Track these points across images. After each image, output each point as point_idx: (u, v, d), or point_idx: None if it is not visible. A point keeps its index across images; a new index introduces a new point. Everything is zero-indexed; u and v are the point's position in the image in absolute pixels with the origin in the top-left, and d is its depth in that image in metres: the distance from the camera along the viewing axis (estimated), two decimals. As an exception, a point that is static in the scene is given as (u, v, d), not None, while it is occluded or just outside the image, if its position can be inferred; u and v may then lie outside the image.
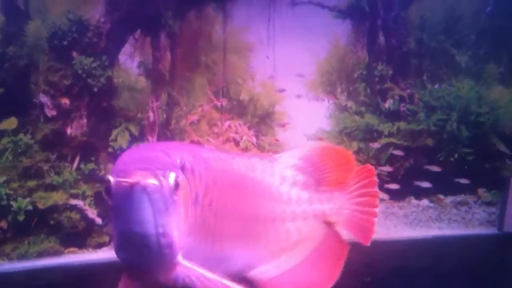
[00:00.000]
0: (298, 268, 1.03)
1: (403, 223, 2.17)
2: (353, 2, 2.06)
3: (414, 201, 2.23)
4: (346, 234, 1.09)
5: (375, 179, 1.06)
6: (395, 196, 2.16)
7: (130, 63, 1.91)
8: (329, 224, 1.06)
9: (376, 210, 1.08)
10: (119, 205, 0.80)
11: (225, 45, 1.94)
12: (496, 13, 2.20)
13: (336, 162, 1.07)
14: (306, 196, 1.03)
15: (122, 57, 1.89)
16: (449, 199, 2.25)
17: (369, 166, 1.07)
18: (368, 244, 1.08)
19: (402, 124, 2.14)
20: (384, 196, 2.14)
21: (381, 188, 2.06)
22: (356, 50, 2.09)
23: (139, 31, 1.88)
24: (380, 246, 2.01)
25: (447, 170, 2.20)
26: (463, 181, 2.23)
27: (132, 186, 0.78)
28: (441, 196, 2.24)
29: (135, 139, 1.89)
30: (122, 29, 1.84)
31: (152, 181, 0.79)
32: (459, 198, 2.25)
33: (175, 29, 1.89)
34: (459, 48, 2.16)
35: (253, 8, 1.97)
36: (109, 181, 0.79)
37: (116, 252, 0.84)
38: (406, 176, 2.14)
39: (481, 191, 2.28)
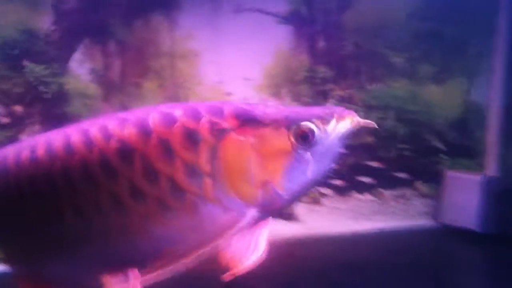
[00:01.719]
0: None
1: (347, 218, 2.46)
2: (294, 9, 2.36)
3: (357, 195, 2.51)
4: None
5: None
6: (339, 191, 2.47)
7: (81, 70, 2.08)
8: None
9: None
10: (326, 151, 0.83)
11: (172, 51, 2.21)
12: (428, 16, 2.60)
13: None
14: None
15: (73, 64, 2.07)
16: (389, 193, 2.55)
17: None
18: None
19: (344, 123, 2.47)
20: (329, 191, 2.48)
21: (326, 184, 2.41)
22: (298, 54, 2.39)
23: (88, 39, 2.07)
24: (326, 240, 2.36)
25: (386, 166, 2.54)
26: (402, 175, 2.57)
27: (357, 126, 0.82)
28: (382, 190, 2.54)
29: None
30: (72, 37, 2.04)
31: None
32: (398, 191, 2.56)
33: (123, 37, 2.10)
34: (394, 50, 2.51)
35: (199, 15, 2.21)
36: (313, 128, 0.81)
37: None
38: (349, 172, 2.42)
39: (419, 184, 2.60)
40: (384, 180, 2.52)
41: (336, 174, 2.41)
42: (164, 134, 0.83)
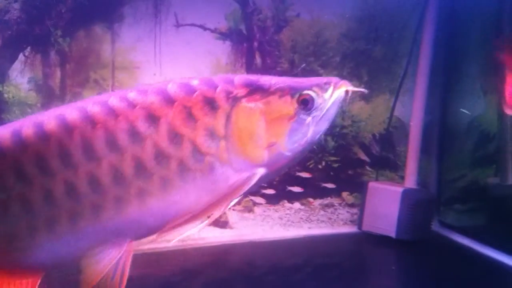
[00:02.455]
0: None
1: (278, 225, 2.66)
2: (232, 26, 2.54)
3: (287, 204, 2.71)
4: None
5: None
6: (271, 200, 2.64)
7: (20, 79, 2.18)
8: None
9: None
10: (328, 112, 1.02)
11: (113, 62, 2.35)
12: (358, 37, 2.88)
13: None
14: None
15: (13, 73, 2.17)
16: (317, 202, 2.77)
17: None
18: None
19: (278, 136, 2.72)
20: (262, 200, 2.70)
21: (259, 193, 2.64)
22: (236, 69, 2.58)
23: (29, 48, 2.18)
24: (258, 246, 2.59)
25: (315, 176, 2.77)
26: (330, 185, 2.78)
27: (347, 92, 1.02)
28: (311, 199, 2.76)
29: None
30: (13, 47, 2.14)
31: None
32: (326, 201, 2.79)
33: (64, 47, 2.21)
34: (326, 68, 2.73)
35: (140, 29, 2.34)
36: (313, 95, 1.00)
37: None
38: (280, 182, 2.61)
39: (345, 194, 2.83)
40: (313, 190, 2.77)
41: (268, 184, 2.65)
42: (187, 102, 0.97)
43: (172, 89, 1.00)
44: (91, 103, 0.99)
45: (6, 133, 0.99)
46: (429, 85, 2.76)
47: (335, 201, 2.84)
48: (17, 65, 2.20)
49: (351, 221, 2.81)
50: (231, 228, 2.62)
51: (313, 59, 2.74)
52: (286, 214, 2.73)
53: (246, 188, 1.00)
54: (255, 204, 2.65)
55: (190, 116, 0.97)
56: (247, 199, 2.64)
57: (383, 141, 2.89)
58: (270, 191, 2.61)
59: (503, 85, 2.05)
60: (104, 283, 1.00)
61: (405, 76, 2.80)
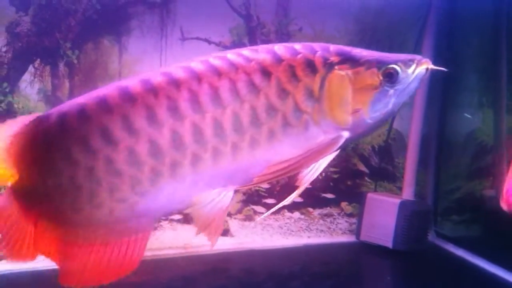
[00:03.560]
0: None
1: (278, 233, 2.70)
2: (236, 39, 2.59)
3: (287, 213, 2.74)
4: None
5: None
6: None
7: (30, 90, 2.22)
8: None
9: None
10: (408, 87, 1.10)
11: (120, 74, 2.39)
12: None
13: None
14: None
15: (23, 84, 2.21)
16: (317, 212, 2.80)
17: None
18: None
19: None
20: (262, 209, 2.74)
21: (260, 203, 2.68)
22: None
23: (39, 60, 2.22)
24: (258, 254, 2.62)
25: (315, 186, 2.81)
26: (329, 195, 2.81)
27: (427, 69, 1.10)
28: (310, 209, 2.79)
29: None
30: (23, 59, 2.18)
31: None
32: (325, 210, 2.82)
33: (73, 59, 2.26)
34: None
35: (147, 42, 2.39)
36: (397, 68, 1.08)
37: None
38: (281, 192, 2.65)
39: (344, 204, 2.86)
40: (313, 200, 2.80)
41: (269, 193, 2.69)
42: (292, 62, 1.06)
43: (280, 50, 1.08)
44: (212, 57, 1.08)
45: (134, 84, 1.06)
46: (428, 98, 2.79)
47: (334, 211, 2.87)
48: (27, 76, 2.25)
49: (349, 230, 2.84)
50: (232, 236, 2.65)
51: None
52: (286, 223, 2.76)
53: (332, 149, 1.09)
54: (255, 213, 2.69)
55: (294, 75, 1.06)
56: (248, 207, 2.68)
57: (382, 153, 2.93)
58: (271, 201, 2.65)
59: (504, 178, 2.11)
60: (209, 225, 1.09)
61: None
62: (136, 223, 1.08)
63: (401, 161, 2.93)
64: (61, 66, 2.30)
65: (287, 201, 1.19)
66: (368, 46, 2.81)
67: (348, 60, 1.09)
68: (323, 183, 2.81)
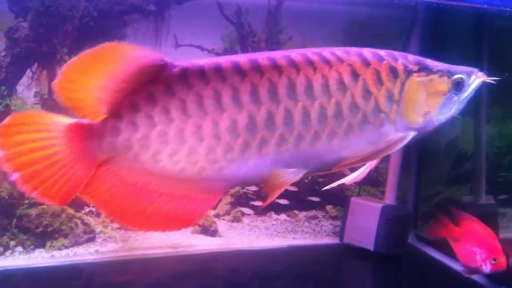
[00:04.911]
0: None
1: (264, 235, 2.74)
2: (228, 47, 2.64)
3: (274, 215, 2.80)
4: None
5: None
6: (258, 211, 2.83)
7: (27, 93, 2.26)
8: None
9: None
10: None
11: (115, 78, 2.45)
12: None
13: None
14: None
15: (20, 87, 2.25)
16: (302, 214, 2.86)
17: None
18: None
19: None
20: (250, 211, 2.80)
21: (247, 205, 2.73)
22: None
23: (36, 64, 2.26)
24: (245, 254, 2.68)
25: (301, 190, 2.83)
26: (315, 199, 2.84)
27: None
28: (296, 212, 2.84)
29: None
30: (21, 63, 2.22)
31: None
32: (310, 213, 2.87)
33: (70, 64, 2.37)
34: None
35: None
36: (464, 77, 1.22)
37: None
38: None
39: (328, 207, 2.90)
40: (299, 203, 2.86)
41: (257, 196, 2.74)
42: (378, 67, 1.17)
43: (368, 54, 1.19)
44: (310, 52, 1.17)
45: (244, 60, 1.13)
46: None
47: (319, 213, 2.93)
48: (25, 80, 2.29)
49: (333, 232, 2.90)
50: (220, 236, 2.71)
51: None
52: (273, 224, 2.82)
53: (399, 146, 1.21)
54: (243, 214, 2.75)
55: (379, 78, 1.17)
56: (236, 209, 2.74)
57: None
58: (258, 203, 2.70)
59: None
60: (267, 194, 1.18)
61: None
62: (214, 185, 1.14)
63: (384, 166, 2.99)
64: (58, 70, 2.32)
65: (345, 180, 1.28)
66: (354, 56, 2.90)
67: (424, 69, 1.22)
68: (308, 186, 2.87)
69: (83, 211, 2.48)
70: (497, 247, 2.11)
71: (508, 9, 2.37)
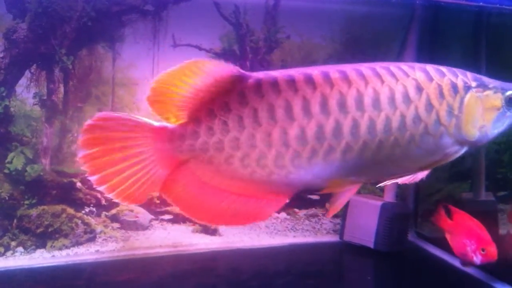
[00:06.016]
0: None
1: (264, 233, 2.73)
2: (226, 46, 2.62)
3: (274, 214, 2.76)
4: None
5: None
6: None
7: (26, 94, 2.25)
8: None
9: None
10: None
11: (113, 79, 2.43)
12: (343, 58, 2.97)
13: None
14: None
15: (19, 88, 2.25)
16: (302, 212, 2.85)
17: None
18: None
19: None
20: (249, 210, 2.79)
21: (247, 203, 2.71)
22: None
23: (35, 66, 2.26)
24: (245, 253, 2.67)
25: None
26: (314, 197, 2.85)
27: None
28: (296, 210, 2.83)
29: (29, 161, 2.28)
30: (19, 64, 2.22)
31: None
32: (311, 211, 2.86)
33: (68, 65, 2.29)
34: None
35: (140, 48, 2.41)
36: None
37: None
38: None
39: (328, 205, 3.01)
40: (299, 201, 2.85)
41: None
42: (440, 82, 1.24)
43: (431, 70, 1.27)
44: (379, 66, 1.26)
45: (316, 73, 1.21)
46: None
47: (319, 211, 2.92)
48: (23, 81, 2.28)
49: (334, 230, 2.89)
50: (220, 235, 2.70)
51: (301, 78, 2.81)
52: (273, 223, 2.81)
53: (454, 157, 1.30)
54: (243, 213, 2.73)
55: (441, 93, 1.24)
56: (236, 208, 2.72)
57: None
58: (258, 202, 2.68)
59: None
60: (334, 203, 1.29)
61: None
62: (281, 188, 1.23)
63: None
64: (57, 71, 2.33)
65: (398, 180, 1.30)
66: (352, 55, 2.88)
67: (481, 85, 1.29)
68: (308, 185, 2.85)
69: (83, 211, 2.47)
70: (486, 237, 2.14)
71: (505, 6, 2.35)
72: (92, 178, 1.16)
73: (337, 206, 1.29)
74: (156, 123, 1.21)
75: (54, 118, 2.34)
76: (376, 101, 1.20)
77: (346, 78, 1.19)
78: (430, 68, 1.27)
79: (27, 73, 2.28)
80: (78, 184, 2.43)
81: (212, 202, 1.22)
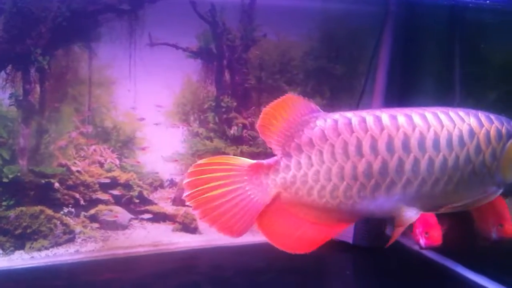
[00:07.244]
0: None
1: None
2: (202, 45, 2.64)
3: None
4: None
5: None
6: None
7: (2, 95, 2.25)
8: None
9: None
10: None
11: (90, 79, 2.43)
12: (320, 56, 3.02)
13: None
14: None
15: (-6, 89, 2.21)
16: None
17: None
18: None
19: (245, 147, 2.70)
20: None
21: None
22: (206, 85, 2.65)
23: (10, 66, 2.26)
24: (226, 251, 2.69)
25: None
26: None
27: None
28: None
29: (6, 162, 2.28)
30: (-5, 65, 2.19)
31: None
32: None
33: (44, 65, 2.30)
34: (290, 85, 2.83)
35: (116, 47, 2.41)
36: None
37: None
38: None
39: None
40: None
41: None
42: (489, 129, 1.43)
43: (482, 117, 1.45)
44: (440, 111, 1.43)
45: (385, 116, 1.39)
46: (385, 101, 2.89)
47: (298, 208, 2.95)
48: (-1, 82, 2.28)
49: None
50: (200, 233, 2.72)
51: (279, 76, 2.86)
52: (253, 221, 2.83)
53: (492, 198, 1.46)
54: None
55: (488, 139, 1.42)
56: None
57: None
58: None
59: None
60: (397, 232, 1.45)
61: (364, 92, 2.93)
62: (347, 216, 1.41)
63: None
64: (33, 71, 2.33)
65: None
66: (328, 52, 2.94)
67: None
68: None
69: (62, 212, 2.47)
70: (430, 221, 2.22)
71: (480, 1, 2.42)
72: (195, 212, 1.37)
73: (395, 235, 1.45)
74: (251, 161, 1.38)
75: (31, 118, 2.34)
76: (435, 142, 1.36)
77: (411, 122, 1.36)
78: (482, 115, 1.44)
79: (3, 74, 2.28)
80: (56, 185, 2.43)
81: (291, 229, 1.40)
